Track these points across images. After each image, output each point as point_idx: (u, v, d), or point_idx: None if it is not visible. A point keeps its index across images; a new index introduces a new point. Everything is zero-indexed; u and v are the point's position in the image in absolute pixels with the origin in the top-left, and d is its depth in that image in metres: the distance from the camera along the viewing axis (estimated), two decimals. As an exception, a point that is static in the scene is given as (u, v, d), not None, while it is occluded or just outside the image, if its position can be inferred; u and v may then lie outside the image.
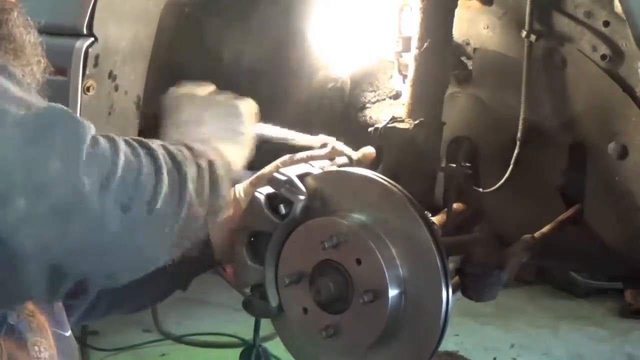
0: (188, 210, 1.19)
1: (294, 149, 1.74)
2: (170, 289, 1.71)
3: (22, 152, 1.04)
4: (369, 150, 1.73)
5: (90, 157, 1.07)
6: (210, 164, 1.28)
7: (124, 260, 1.18)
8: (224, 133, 1.47)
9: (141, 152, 1.16)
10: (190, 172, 1.21)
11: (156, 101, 1.57)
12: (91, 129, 1.11)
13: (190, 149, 1.28)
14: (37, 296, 1.19)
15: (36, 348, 1.34)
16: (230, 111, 1.52)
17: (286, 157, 1.68)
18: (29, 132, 1.05)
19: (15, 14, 1.29)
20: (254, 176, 1.70)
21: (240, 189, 1.69)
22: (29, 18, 1.33)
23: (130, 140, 1.18)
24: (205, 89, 1.58)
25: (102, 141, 1.11)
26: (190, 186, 1.20)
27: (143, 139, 1.21)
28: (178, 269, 1.63)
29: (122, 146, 1.13)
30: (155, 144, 1.21)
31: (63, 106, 1.12)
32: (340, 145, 1.71)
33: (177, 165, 1.20)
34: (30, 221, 1.04)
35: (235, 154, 1.45)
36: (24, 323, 1.31)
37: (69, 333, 1.45)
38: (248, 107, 1.57)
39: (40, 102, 1.12)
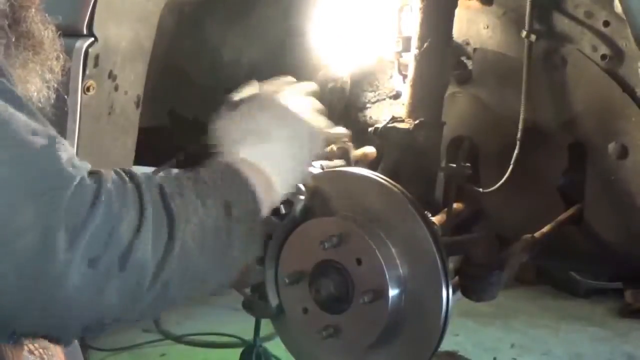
0: (177, 260, 1.08)
1: None
2: None
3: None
4: (370, 150, 1.73)
5: (69, 204, 1.00)
6: (227, 205, 1.15)
7: (91, 317, 1.08)
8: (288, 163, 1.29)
9: (129, 196, 1.06)
10: (186, 220, 1.09)
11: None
12: (77, 175, 1.03)
13: (200, 188, 1.14)
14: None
15: (45, 357, 1.34)
16: (310, 136, 1.34)
17: None
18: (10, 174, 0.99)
19: (34, 10, 1.28)
20: None
21: None
22: (46, 15, 1.32)
23: (125, 178, 1.09)
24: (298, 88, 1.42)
25: (87, 186, 1.03)
26: (182, 236, 1.08)
27: (142, 176, 1.11)
28: None
29: (107, 192, 1.04)
30: (151, 183, 1.10)
31: (54, 150, 1.04)
32: (350, 148, 1.68)
33: (169, 214, 1.08)
34: None
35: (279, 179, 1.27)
36: None
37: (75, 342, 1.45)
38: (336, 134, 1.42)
39: (33, 139, 1.03)
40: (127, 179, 1.09)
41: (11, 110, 1.04)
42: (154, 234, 1.06)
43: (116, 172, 1.10)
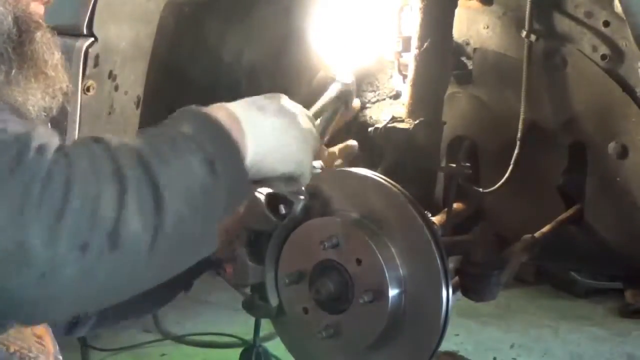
0: (172, 225, 1.03)
1: None
2: (174, 291, 1.71)
3: None
4: (352, 144, 1.70)
5: (40, 199, 0.96)
6: (210, 162, 1.07)
7: (86, 301, 1.05)
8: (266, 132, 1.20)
9: (104, 171, 1.00)
10: (172, 181, 1.03)
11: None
12: (45, 160, 0.98)
13: (185, 143, 1.08)
14: None
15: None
16: (307, 137, 1.26)
17: None
18: None
19: (40, 33, 1.25)
20: None
21: None
22: (55, 36, 1.27)
23: (99, 152, 1.03)
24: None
25: (56, 174, 0.98)
26: (172, 198, 1.02)
27: (118, 145, 1.05)
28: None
29: (80, 171, 0.99)
30: (128, 152, 1.04)
31: (20, 136, 0.99)
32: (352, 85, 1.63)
33: (152, 180, 1.02)
34: None
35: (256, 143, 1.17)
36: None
37: None
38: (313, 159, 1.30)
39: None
40: (99, 151, 1.03)
41: None
42: (139, 205, 1.00)
43: (86, 144, 1.04)
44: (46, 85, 1.26)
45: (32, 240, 0.95)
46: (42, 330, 1.37)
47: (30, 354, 1.33)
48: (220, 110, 1.16)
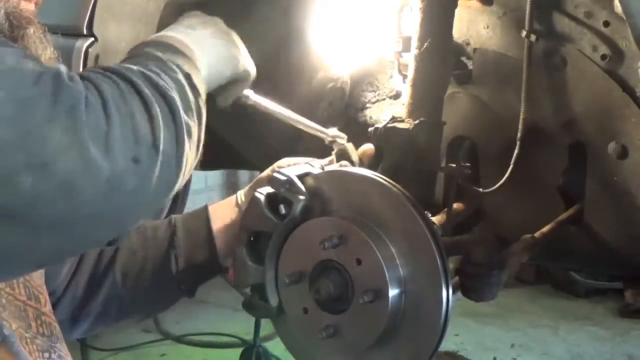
0: (188, 129, 1.20)
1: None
2: (177, 295, 1.72)
3: (17, 127, 1.02)
4: (368, 147, 1.74)
5: (88, 119, 1.06)
6: (188, 76, 1.28)
7: (143, 210, 1.20)
8: (207, 46, 1.44)
9: (126, 92, 1.13)
10: (176, 97, 1.20)
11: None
12: (81, 89, 1.09)
13: (164, 63, 1.26)
14: (48, 264, 1.23)
15: (54, 356, 1.34)
16: (228, 42, 1.51)
17: (284, 160, 1.69)
18: (21, 104, 1.03)
19: (32, 29, 1.28)
20: (254, 181, 1.71)
21: (241, 194, 1.71)
22: (46, 33, 1.32)
23: (114, 77, 1.16)
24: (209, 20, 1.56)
25: (91, 98, 1.09)
26: (181, 109, 1.20)
27: (123, 70, 1.19)
28: (185, 275, 1.64)
29: (109, 95, 1.11)
30: (135, 74, 1.19)
31: (55, 71, 1.10)
32: (350, 147, 1.71)
33: (162, 94, 1.18)
34: (41, 198, 1.03)
35: (206, 64, 1.41)
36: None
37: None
38: (250, 63, 1.56)
39: (33, 69, 1.09)
40: (114, 77, 1.16)
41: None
42: (163, 117, 1.15)
43: (101, 73, 1.16)
44: None
45: (94, 155, 1.06)
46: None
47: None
48: (170, 39, 1.38)
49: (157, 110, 1.14)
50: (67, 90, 1.08)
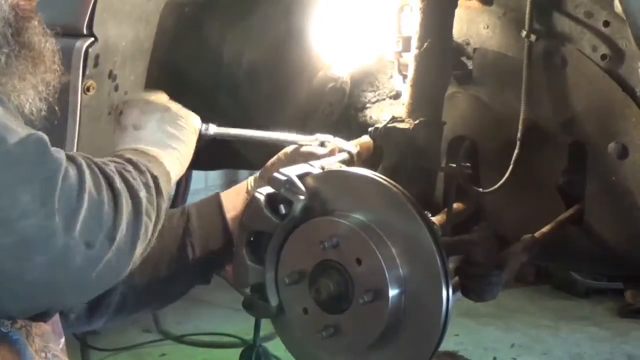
0: (145, 230, 1.29)
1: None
2: (193, 283, 1.74)
3: None
4: (365, 139, 1.75)
5: (62, 191, 1.13)
6: (155, 179, 1.39)
7: (82, 293, 1.27)
8: (161, 137, 1.55)
9: (103, 184, 1.22)
10: (144, 198, 1.31)
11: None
12: (63, 162, 1.16)
13: (135, 166, 1.37)
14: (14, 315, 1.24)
15: (43, 354, 1.34)
16: (167, 117, 1.59)
17: (290, 147, 1.70)
18: (2, 159, 1.09)
19: (35, 22, 1.33)
20: (263, 168, 1.73)
21: (251, 180, 1.72)
22: (46, 28, 1.36)
23: (94, 167, 1.24)
24: (156, 97, 1.64)
25: (71, 172, 1.16)
26: (145, 211, 1.29)
27: (102, 164, 1.28)
28: (201, 262, 1.67)
29: (87, 178, 1.19)
30: (112, 170, 1.28)
31: (41, 136, 1.16)
32: (340, 142, 1.73)
33: (133, 195, 1.28)
34: None
35: (171, 160, 1.53)
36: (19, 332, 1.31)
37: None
38: (192, 118, 1.63)
39: (20, 131, 1.14)
40: (95, 167, 1.25)
41: None
42: (127, 213, 1.24)
43: (85, 159, 1.25)
44: (42, 72, 1.34)
45: (55, 226, 1.12)
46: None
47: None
48: (146, 154, 1.51)
49: (123, 207, 1.23)
50: (50, 157, 1.15)
